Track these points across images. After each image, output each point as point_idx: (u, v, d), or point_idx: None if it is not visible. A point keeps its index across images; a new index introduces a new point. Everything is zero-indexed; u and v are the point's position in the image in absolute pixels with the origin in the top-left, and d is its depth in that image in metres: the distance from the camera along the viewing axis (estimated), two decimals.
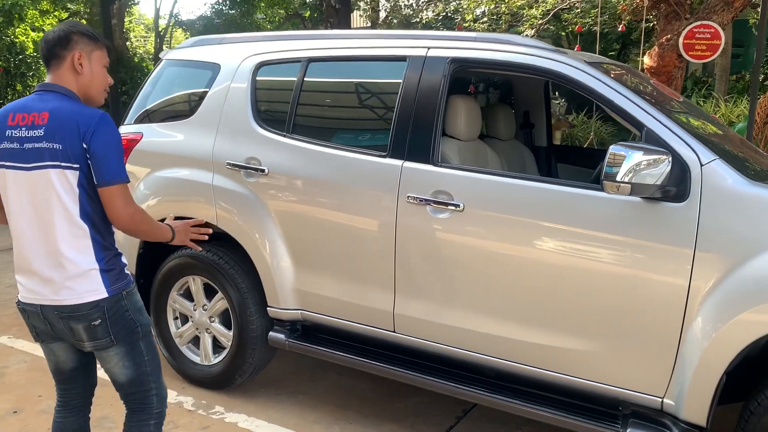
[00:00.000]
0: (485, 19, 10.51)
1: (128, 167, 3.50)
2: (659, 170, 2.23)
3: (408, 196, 2.76)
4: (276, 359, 3.58)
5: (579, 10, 9.96)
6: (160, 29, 11.99)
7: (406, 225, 2.79)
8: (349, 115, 3.23)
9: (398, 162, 2.82)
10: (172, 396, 3.43)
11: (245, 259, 3.29)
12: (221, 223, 3.28)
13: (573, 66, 2.58)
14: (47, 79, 2.04)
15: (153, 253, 3.63)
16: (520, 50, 2.71)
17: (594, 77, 2.53)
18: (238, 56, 3.41)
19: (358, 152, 2.97)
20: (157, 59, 12.28)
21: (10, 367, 3.78)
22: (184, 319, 3.61)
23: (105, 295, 2.02)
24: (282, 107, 3.29)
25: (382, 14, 14.58)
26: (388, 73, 3.06)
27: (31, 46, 18.14)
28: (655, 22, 8.61)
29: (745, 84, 12.50)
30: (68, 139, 1.91)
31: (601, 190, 2.37)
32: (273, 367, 3.68)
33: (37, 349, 4.02)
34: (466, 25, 9.96)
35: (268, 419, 3.24)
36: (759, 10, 9.36)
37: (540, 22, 10.03)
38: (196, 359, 3.55)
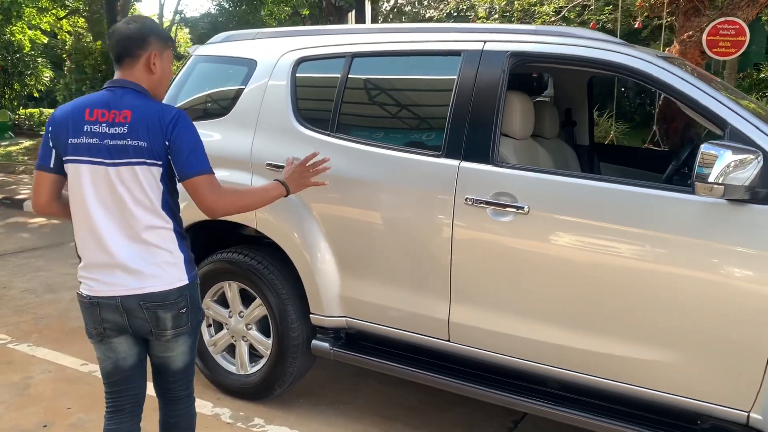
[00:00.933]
0: (496, 15, 10.36)
1: None
2: (748, 171, 2.09)
3: (466, 198, 2.62)
4: (312, 368, 3.44)
5: (592, 6, 9.82)
6: (164, 27, 11.79)
7: (463, 228, 2.64)
8: (397, 113, 3.08)
9: (454, 162, 2.68)
10: (207, 408, 3.28)
11: (286, 264, 3.14)
12: (262, 227, 3.13)
13: (647, 61, 2.44)
14: (117, 75, 2.06)
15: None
16: (588, 44, 2.56)
17: (671, 72, 2.39)
18: (276, 52, 3.26)
19: (409, 152, 2.82)
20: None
21: (34, 378, 3.62)
22: (218, 326, 3.46)
23: (186, 282, 2.10)
24: (325, 105, 3.13)
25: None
26: (440, 68, 2.92)
27: (28, 45, 17.94)
28: (672, 19, 8.50)
29: (752, 81, 12.40)
30: (152, 137, 1.97)
31: (682, 191, 2.24)
32: (309, 376, 3.53)
33: (60, 358, 3.87)
34: (479, 21, 9.82)
35: None
36: None
37: (553, 19, 9.89)
38: (232, 369, 3.40)
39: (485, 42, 2.73)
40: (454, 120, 2.71)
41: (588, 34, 2.64)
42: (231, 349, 3.43)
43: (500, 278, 2.59)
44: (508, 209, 2.53)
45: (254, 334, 3.28)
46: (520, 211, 2.51)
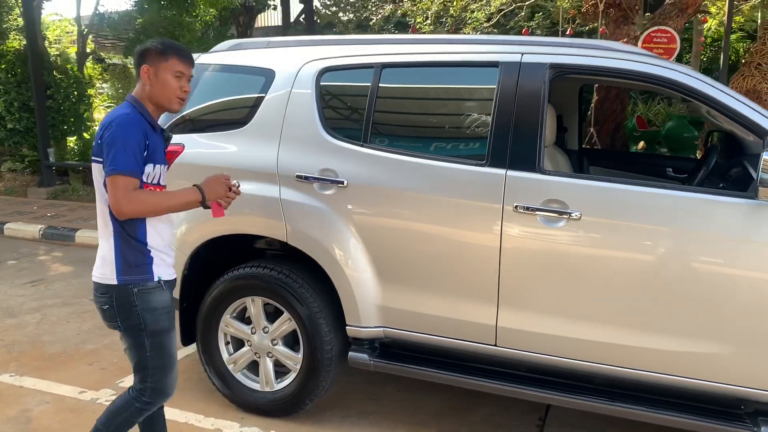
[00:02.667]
0: (428, 21, 10.56)
1: (169, 181, 3.26)
2: None
3: (516, 206, 2.69)
4: None
5: (522, 13, 10.22)
6: (82, 28, 11.13)
7: (513, 235, 2.72)
8: (433, 122, 3.11)
9: (500, 171, 2.75)
10: (234, 429, 3.18)
11: (316, 276, 3.10)
12: (293, 239, 3.07)
13: (685, 73, 2.61)
14: None
15: (200, 275, 3.35)
16: (625, 57, 2.71)
17: (708, 84, 2.58)
18: (296, 61, 3.20)
19: (450, 161, 2.86)
20: (82, 61, 11.41)
21: (33, 411, 3.36)
22: (237, 343, 3.36)
23: (114, 282, 2.22)
24: (354, 115, 3.12)
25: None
26: (476, 79, 2.97)
27: None
28: (602, 26, 9.00)
29: None
30: (98, 138, 2.21)
31: (741, 196, 2.42)
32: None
33: (53, 387, 3.63)
34: (419, 27, 9.97)
35: None
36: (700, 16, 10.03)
37: (485, 25, 10.21)
38: (255, 386, 3.30)
39: (522, 54, 2.82)
40: (497, 129, 2.78)
41: (623, 47, 2.80)
42: (252, 367, 3.34)
43: (552, 282, 2.69)
44: (559, 216, 2.63)
45: (281, 349, 3.21)
46: (572, 217, 2.61)
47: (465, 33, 10.49)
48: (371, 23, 11.55)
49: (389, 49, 3.09)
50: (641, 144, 9.74)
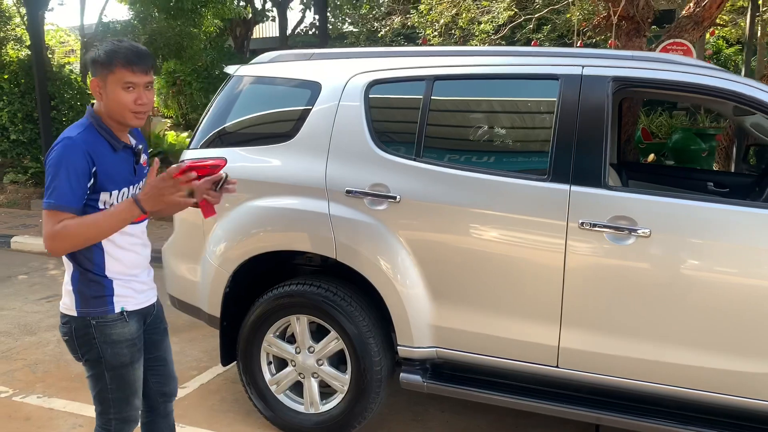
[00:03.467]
0: (435, 33, 10.53)
1: None
2: None
3: (582, 222, 2.61)
4: None
5: (531, 26, 10.22)
6: (85, 38, 11.02)
7: (578, 252, 2.63)
8: (488, 136, 3.03)
9: (564, 186, 2.67)
10: None
11: (365, 294, 3.01)
12: (342, 256, 2.97)
13: (752, 85, 2.56)
14: None
15: (242, 292, 3.25)
16: (689, 69, 2.65)
17: None
18: (343, 74, 3.12)
19: (508, 176, 2.78)
20: (85, 71, 11.28)
21: None
22: (279, 363, 3.25)
23: (74, 313, 2.06)
24: (405, 128, 3.04)
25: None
26: (534, 92, 2.90)
27: None
28: (612, 39, 9.00)
29: None
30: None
31: None
32: None
33: (84, 409, 3.50)
34: (429, 40, 9.94)
35: None
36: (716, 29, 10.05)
37: (493, 37, 10.19)
38: (299, 408, 3.20)
39: (583, 66, 2.76)
40: (559, 144, 2.71)
41: (686, 60, 2.74)
42: (294, 387, 3.24)
43: (620, 301, 2.60)
44: (629, 233, 2.55)
45: (327, 369, 3.10)
46: (641, 234, 2.54)
47: (472, 45, 10.47)
48: (379, 35, 11.52)
49: (440, 61, 3.02)
50: (651, 156, 9.72)
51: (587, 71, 2.74)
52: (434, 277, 2.87)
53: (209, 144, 3.34)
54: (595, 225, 2.59)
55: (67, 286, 2.08)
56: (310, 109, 3.13)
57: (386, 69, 3.08)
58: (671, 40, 7.31)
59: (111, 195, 2.03)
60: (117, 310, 2.07)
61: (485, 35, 10.46)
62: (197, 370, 4.03)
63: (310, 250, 3.07)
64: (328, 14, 12.46)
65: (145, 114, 2.03)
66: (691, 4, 7.43)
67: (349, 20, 12.59)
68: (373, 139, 2.99)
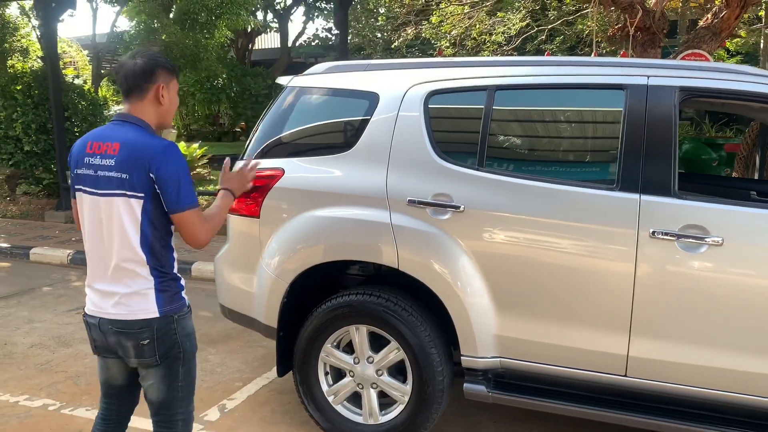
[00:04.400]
0: (448, 45, 10.60)
1: (269, 207, 3.16)
2: None
3: (653, 232, 2.62)
4: None
5: (543, 36, 10.29)
6: (98, 49, 11.04)
7: (649, 261, 2.64)
8: (552, 146, 3.05)
9: (633, 195, 2.68)
10: None
11: (428, 304, 3.01)
12: (405, 266, 2.97)
13: None
14: (124, 108, 2.18)
15: (300, 302, 3.24)
16: (758, 80, 2.67)
17: None
18: (401, 85, 3.13)
19: (575, 185, 2.80)
20: (97, 82, 11.30)
21: None
22: (335, 374, 3.24)
23: (156, 315, 2.13)
24: (467, 138, 3.06)
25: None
26: (599, 101, 2.92)
27: None
28: (622, 50, 9.07)
29: None
30: (135, 170, 2.04)
31: None
32: None
33: (138, 421, 3.43)
34: (443, 49, 10.00)
35: None
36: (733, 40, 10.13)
37: (505, 48, 10.26)
38: (357, 419, 3.18)
39: (649, 77, 2.78)
40: (627, 153, 2.72)
41: (748, 69, 2.76)
42: (352, 398, 3.22)
43: (692, 309, 2.61)
44: (701, 242, 2.57)
45: (387, 380, 3.09)
46: (714, 242, 2.55)
47: (483, 56, 10.53)
48: (392, 46, 11.57)
49: (500, 71, 3.03)
50: None
51: (653, 81, 2.76)
52: (499, 286, 2.87)
53: (264, 154, 3.34)
54: (667, 234, 2.60)
55: (143, 291, 2.13)
56: (369, 120, 3.13)
57: (444, 79, 3.09)
58: (690, 51, 7.38)
59: None
60: (187, 303, 2.27)
61: (496, 46, 10.53)
62: (242, 381, 4.01)
63: (371, 260, 3.07)
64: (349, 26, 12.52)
65: None
66: (709, 16, 7.51)
67: (354, 31, 12.59)
68: (434, 149, 3.00)
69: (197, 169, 12.14)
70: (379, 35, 11.38)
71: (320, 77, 3.39)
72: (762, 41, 10.83)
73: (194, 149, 12.06)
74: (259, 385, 3.95)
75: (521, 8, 9.06)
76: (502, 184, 2.88)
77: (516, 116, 3.06)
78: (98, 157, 2.10)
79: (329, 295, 3.19)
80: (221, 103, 18.56)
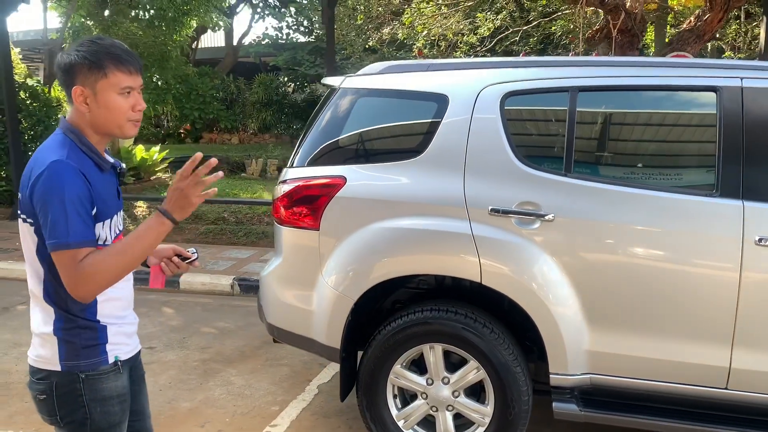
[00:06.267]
0: (422, 44, 10.47)
1: (330, 218, 2.92)
2: None
3: (759, 239, 2.53)
4: None
5: (517, 38, 10.30)
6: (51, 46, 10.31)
7: (755, 269, 2.55)
8: (643, 150, 2.91)
9: (736, 202, 2.58)
10: None
11: (511, 321, 2.83)
12: (488, 280, 2.78)
13: None
14: None
15: (365, 322, 3.01)
16: None
17: None
18: (473, 86, 2.94)
19: (673, 191, 2.67)
20: (49, 82, 10.57)
21: None
22: (403, 396, 3.02)
23: (57, 368, 1.70)
24: (548, 142, 2.90)
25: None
26: (688, 103, 2.81)
27: None
28: (595, 51, 9.16)
29: None
30: (23, 190, 1.65)
31: None
32: None
33: None
34: (419, 49, 9.86)
35: None
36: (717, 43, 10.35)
37: (478, 49, 10.22)
38: None
39: (742, 78, 2.69)
40: (726, 158, 2.62)
41: None
42: (422, 423, 3.01)
43: None
44: None
45: (465, 401, 2.90)
46: None
47: (456, 56, 10.46)
48: (366, 46, 11.35)
49: (582, 71, 2.89)
50: None
51: (747, 83, 2.67)
52: (592, 299, 2.72)
53: (317, 161, 3.08)
54: None
55: (45, 336, 1.70)
56: (439, 123, 2.93)
57: (520, 80, 2.92)
58: (674, 53, 7.49)
59: (104, 226, 1.70)
60: (111, 360, 1.75)
61: (468, 47, 10.47)
62: (277, 405, 3.72)
63: (449, 274, 2.87)
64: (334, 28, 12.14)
65: (140, 122, 1.74)
66: (692, 18, 7.65)
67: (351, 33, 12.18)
68: (516, 154, 2.82)
69: (158, 174, 11.58)
70: (353, 34, 11.13)
71: (377, 78, 3.15)
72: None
73: (154, 152, 11.50)
74: (298, 409, 3.67)
75: (502, 9, 9.02)
76: (593, 191, 2.73)
77: (601, 119, 2.92)
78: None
79: (383, 314, 2.97)
80: (166, 104, 17.70)
